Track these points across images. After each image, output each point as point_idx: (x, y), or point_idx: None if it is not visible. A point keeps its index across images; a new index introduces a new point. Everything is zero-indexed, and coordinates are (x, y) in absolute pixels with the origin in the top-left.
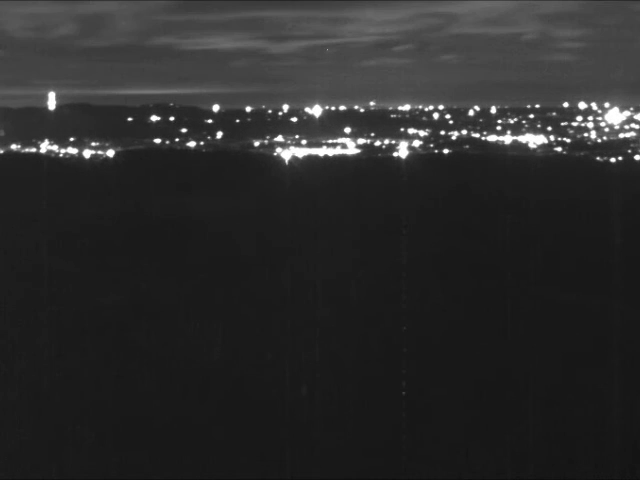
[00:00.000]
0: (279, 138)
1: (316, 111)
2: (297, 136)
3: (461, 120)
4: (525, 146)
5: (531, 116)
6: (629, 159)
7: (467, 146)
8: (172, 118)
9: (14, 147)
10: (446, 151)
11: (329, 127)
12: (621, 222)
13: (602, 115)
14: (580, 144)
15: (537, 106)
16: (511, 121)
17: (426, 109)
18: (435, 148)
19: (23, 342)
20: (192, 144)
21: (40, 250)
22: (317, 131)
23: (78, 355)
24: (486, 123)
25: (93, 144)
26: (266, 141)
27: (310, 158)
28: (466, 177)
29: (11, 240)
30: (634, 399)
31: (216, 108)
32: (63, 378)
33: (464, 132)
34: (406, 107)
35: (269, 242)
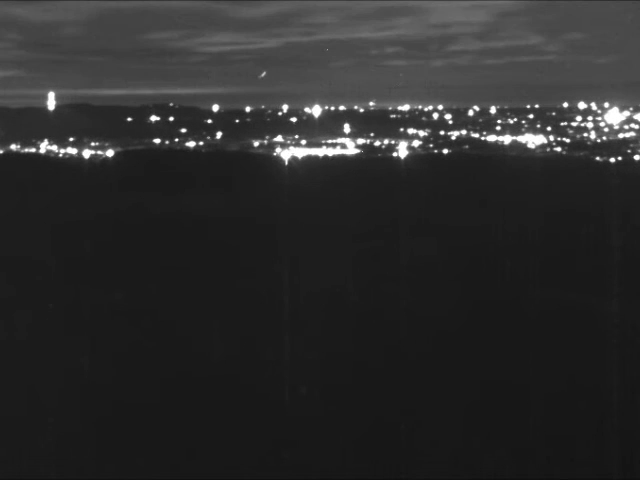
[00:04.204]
0: (279, 138)
1: (316, 111)
2: (297, 136)
3: (461, 120)
4: (525, 146)
5: (531, 116)
6: (629, 159)
7: (467, 146)
8: (172, 118)
9: (14, 147)
10: (446, 151)
11: (329, 127)
12: (621, 222)
13: (602, 115)
14: (580, 144)
15: (537, 106)
16: (511, 121)
17: (426, 109)
18: (435, 148)
19: (23, 342)
20: (192, 144)
21: (40, 250)
22: (317, 131)
23: (78, 355)
24: (486, 123)
25: (93, 144)
26: (265, 141)
27: (310, 158)
28: (466, 177)
29: (11, 240)
30: (634, 399)
31: (216, 108)
32: (63, 378)
33: (464, 132)
34: (406, 107)
35: (268, 242)
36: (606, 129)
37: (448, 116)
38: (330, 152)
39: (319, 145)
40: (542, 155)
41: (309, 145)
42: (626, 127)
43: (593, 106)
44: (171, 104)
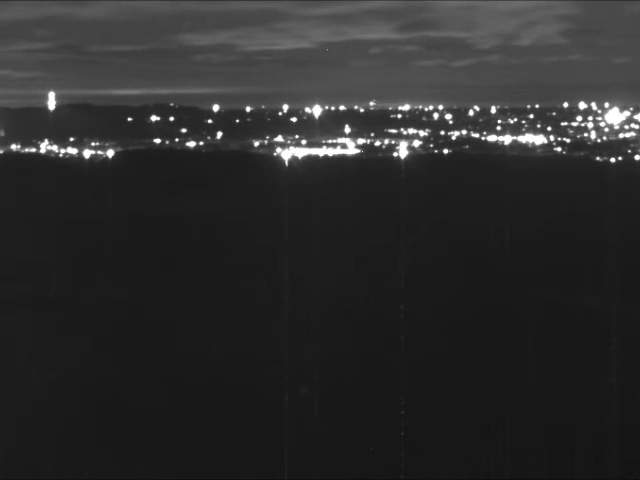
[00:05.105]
0: (279, 138)
1: (316, 111)
2: (297, 136)
3: (461, 120)
4: (525, 146)
5: (531, 116)
6: (629, 159)
7: (467, 146)
8: (172, 118)
9: (14, 147)
10: (446, 151)
11: (329, 127)
12: (621, 222)
13: (602, 115)
14: (580, 144)
15: (537, 106)
16: (511, 121)
17: (426, 109)
18: (435, 148)
19: (23, 341)
20: (192, 144)
21: (40, 250)
22: (317, 131)
23: (79, 353)
24: (486, 123)
25: (93, 144)
26: (266, 141)
27: (310, 158)
28: (466, 177)
29: (11, 240)
30: (634, 399)
31: (216, 108)
32: (64, 376)
33: (464, 132)
34: (406, 107)
35: (269, 241)
36: (606, 129)
37: (448, 116)
38: (330, 152)
39: (319, 145)
40: (542, 155)
41: (309, 145)
42: (626, 127)
43: (593, 106)
44: (171, 104)
